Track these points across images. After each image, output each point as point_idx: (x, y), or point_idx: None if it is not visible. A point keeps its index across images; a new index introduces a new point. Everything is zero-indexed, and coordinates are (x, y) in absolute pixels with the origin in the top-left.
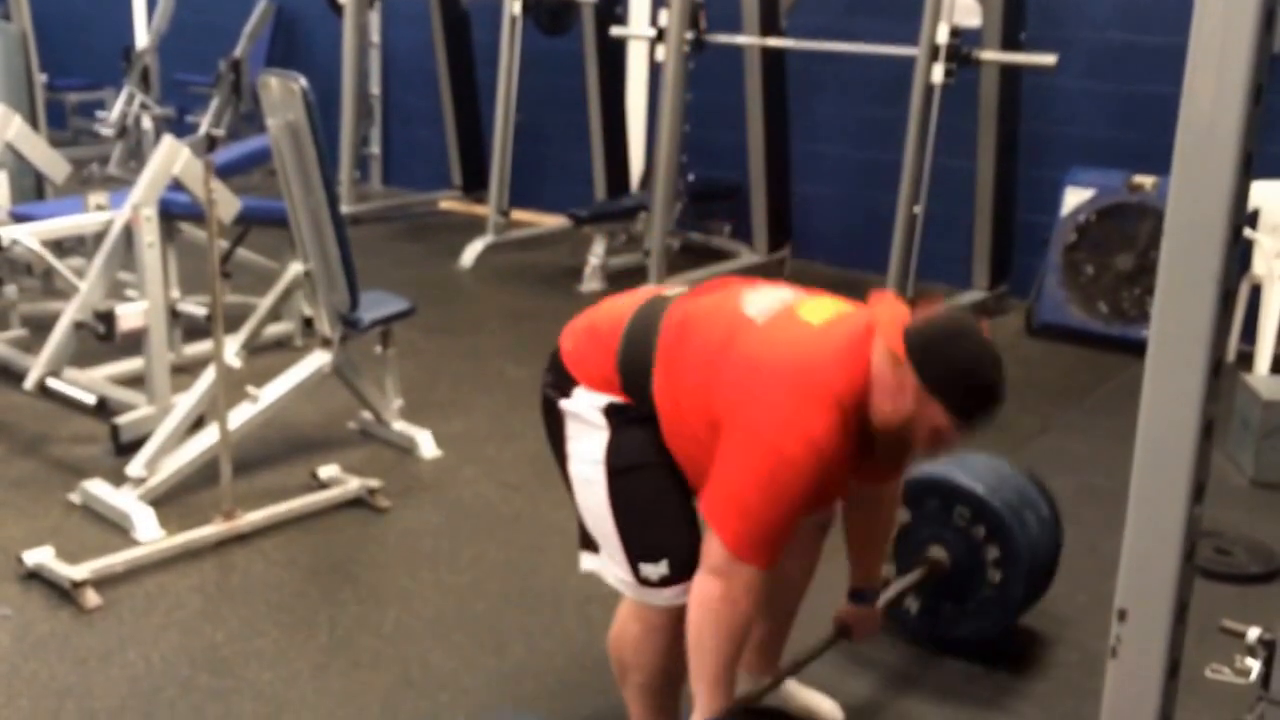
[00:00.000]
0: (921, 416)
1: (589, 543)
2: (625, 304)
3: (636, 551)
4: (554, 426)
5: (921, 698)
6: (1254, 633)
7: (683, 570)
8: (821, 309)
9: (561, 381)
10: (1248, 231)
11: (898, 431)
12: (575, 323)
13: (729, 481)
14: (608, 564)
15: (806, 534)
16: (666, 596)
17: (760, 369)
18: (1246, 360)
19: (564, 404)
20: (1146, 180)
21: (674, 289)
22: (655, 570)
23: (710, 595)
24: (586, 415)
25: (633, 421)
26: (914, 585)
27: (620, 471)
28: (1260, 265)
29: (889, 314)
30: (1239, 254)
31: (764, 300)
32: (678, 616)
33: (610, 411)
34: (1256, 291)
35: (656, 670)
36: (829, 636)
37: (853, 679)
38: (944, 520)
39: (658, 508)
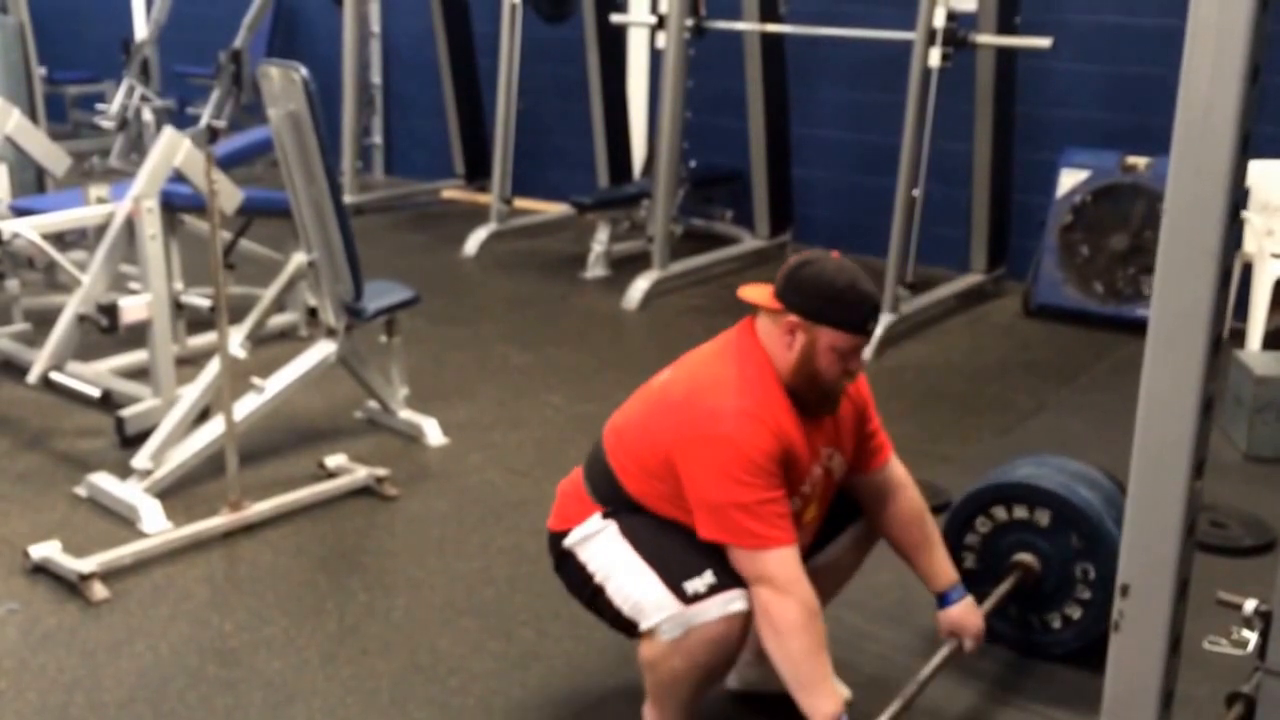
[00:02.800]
0: (818, 345)
1: (633, 627)
2: (575, 470)
3: (677, 574)
4: (574, 576)
5: (917, 669)
6: (1250, 605)
7: (726, 573)
8: (713, 341)
9: (560, 543)
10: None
11: (806, 369)
12: (551, 509)
13: (708, 495)
14: (652, 619)
15: (845, 559)
16: (719, 604)
17: (679, 396)
18: (1238, 337)
19: (566, 543)
20: (1140, 161)
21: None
22: (702, 581)
23: (766, 603)
24: (587, 531)
25: (627, 511)
26: (1010, 590)
27: (641, 541)
28: (1251, 243)
29: (755, 291)
30: None
31: (666, 370)
32: (717, 632)
33: (606, 515)
34: (1247, 270)
35: (700, 684)
36: (948, 650)
37: (847, 652)
38: (1020, 524)
39: (675, 534)
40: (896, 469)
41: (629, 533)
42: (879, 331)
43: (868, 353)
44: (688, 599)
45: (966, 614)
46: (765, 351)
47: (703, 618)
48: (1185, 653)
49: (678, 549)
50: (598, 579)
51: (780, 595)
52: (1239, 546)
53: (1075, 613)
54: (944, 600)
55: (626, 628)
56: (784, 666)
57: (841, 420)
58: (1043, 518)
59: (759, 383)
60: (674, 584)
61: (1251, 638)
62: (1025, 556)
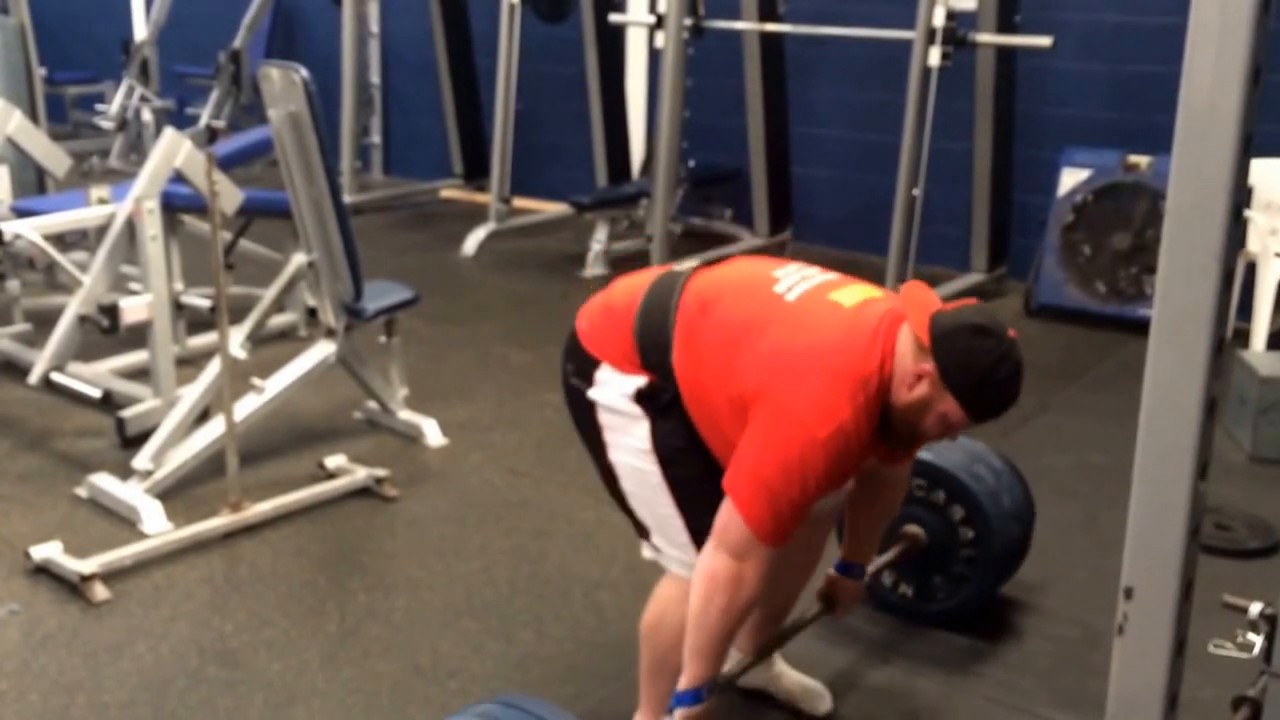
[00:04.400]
0: (935, 404)
1: (643, 530)
2: (639, 280)
3: (699, 528)
4: (585, 418)
5: (922, 674)
6: (1256, 608)
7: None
8: (853, 293)
9: (583, 366)
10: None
11: (912, 415)
12: (590, 303)
13: (756, 461)
14: (664, 548)
15: (814, 526)
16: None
17: (792, 349)
18: (1242, 337)
19: (593, 395)
20: (1142, 160)
21: (688, 264)
22: None
23: (722, 572)
24: (620, 406)
25: (666, 407)
26: (894, 560)
27: (671, 459)
28: (1255, 242)
29: (918, 301)
30: None
31: (794, 278)
32: None
33: (640, 399)
34: (1251, 269)
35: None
36: (814, 611)
37: (850, 654)
38: (907, 498)
39: (714, 487)
40: (906, 470)
41: (661, 448)
42: None
43: None
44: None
45: (853, 589)
46: (894, 358)
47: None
48: (1190, 656)
49: (709, 501)
50: (611, 457)
51: (744, 582)
52: (1244, 549)
53: (961, 572)
54: (846, 570)
55: (622, 508)
56: (698, 627)
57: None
58: (924, 489)
59: (872, 392)
60: (699, 539)
61: (1257, 641)
62: (911, 527)
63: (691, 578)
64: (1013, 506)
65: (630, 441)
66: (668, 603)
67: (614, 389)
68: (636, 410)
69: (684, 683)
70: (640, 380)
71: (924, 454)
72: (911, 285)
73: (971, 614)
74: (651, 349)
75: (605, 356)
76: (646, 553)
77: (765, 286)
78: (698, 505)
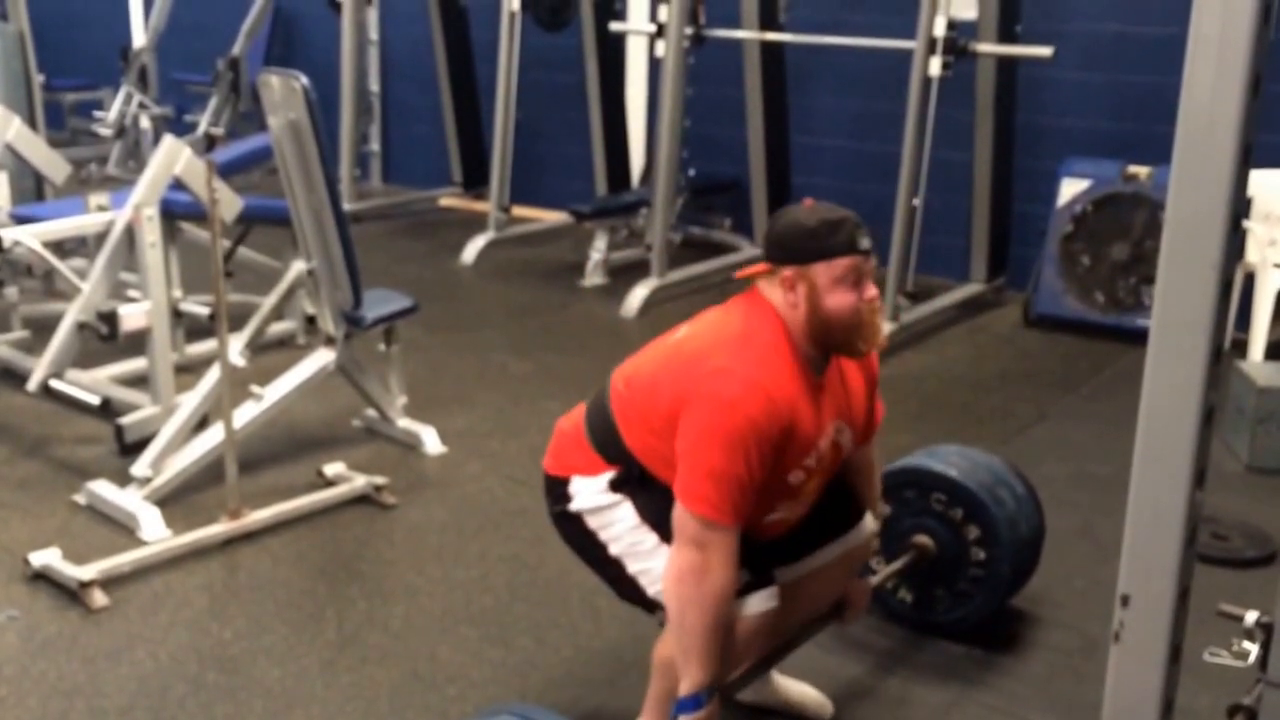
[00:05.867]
0: (817, 286)
1: (652, 608)
2: (575, 409)
3: None
4: (578, 536)
5: (920, 682)
6: (1251, 616)
7: (753, 569)
8: (730, 303)
9: (557, 491)
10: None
11: (821, 316)
12: (549, 446)
13: (692, 452)
14: None
15: (832, 576)
16: (756, 604)
17: (690, 354)
18: (1240, 347)
19: (574, 507)
20: (1141, 170)
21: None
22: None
23: (687, 566)
24: (600, 502)
25: (640, 482)
26: (903, 570)
27: (662, 522)
28: (1254, 253)
29: (751, 267)
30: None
31: (681, 327)
32: (748, 628)
33: (615, 485)
34: (1249, 279)
35: None
36: (822, 615)
37: (850, 663)
38: (923, 508)
39: None
40: (870, 451)
41: (650, 516)
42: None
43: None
44: None
45: (861, 590)
46: (775, 312)
47: (741, 614)
48: (1186, 664)
49: None
50: (614, 552)
51: (710, 570)
52: (1240, 558)
53: (966, 589)
54: None
55: (644, 604)
56: (680, 630)
57: (854, 392)
58: (943, 503)
59: (771, 346)
60: None
61: (1253, 649)
62: (922, 538)
63: None
64: (1028, 535)
65: (621, 527)
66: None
67: (590, 491)
68: (616, 497)
69: (684, 689)
70: (610, 473)
71: (947, 469)
72: (739, 272)
73: (969, 630)
74: (606, 444)
75: (572, 471)
76: (663, 648)
77: (663, 341)
78: None
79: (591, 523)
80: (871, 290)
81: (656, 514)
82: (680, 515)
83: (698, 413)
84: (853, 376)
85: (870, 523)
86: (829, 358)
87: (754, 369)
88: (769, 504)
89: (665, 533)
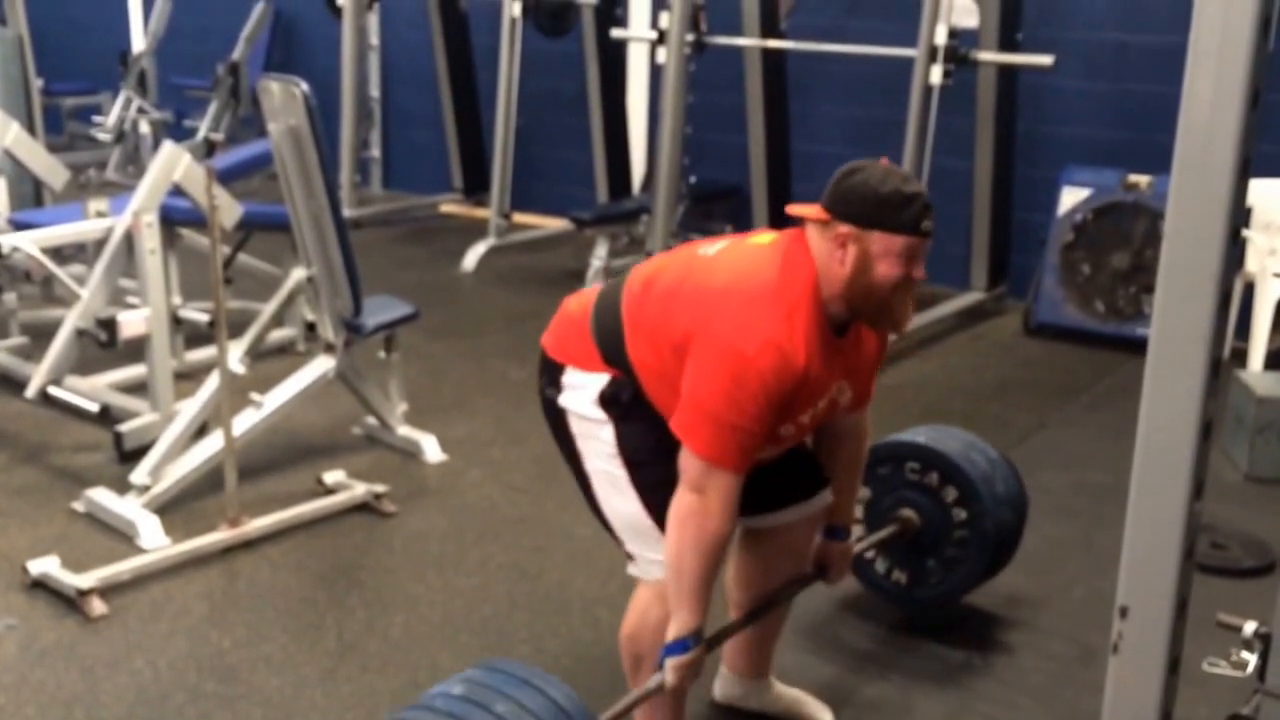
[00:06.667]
0: (871, 253)
1: (618, 539)
2: (590, 290)
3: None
4: (560, 429)
5: (919, 691)
6: (1250, 626)
7: None
8: (768, 235)
9: (552, 373)
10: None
11: (864, 282)
12: (552, 321)
13: (696, 392)
14: (637, 552)
15: (797, 535)
16: None
17: (714, 285)
18: (1240, 357)
19: (563, 402)
20: (1142, 179)
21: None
22: None
23: (688, 509)
24: (587, 412)
25: (629, 408)
26: (887, 539)
27: (636, 460)
28: (1253, 262)
29: (804, 207)
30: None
31: (721, 243)
32: None
33: (605, 401)
34: (1249, 289)
35: None
36: (805, 574)
37: (849, 671)
38: (900, 481)
39: (672, 466)
40: (865, 418)
41: (627, 448)
42: None
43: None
44: None
45: (844, 552)
46: (813, 263)
47: None
48: (1184, 674)
49: (671, 498)
50: (586, 467)
51: (710, 514)
52: (1239, 568)
53: (954, 554)
54: (831, 533)
55: (604, 525)
56: (676, 573)
57: (864, 358)
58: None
59: (799, 304)
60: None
61: (1251, 659)
62: (905, 511)
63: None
64: (1005, 493)
65: (599, 447)
66: (646, 605)
67: (581, 394)
68: (602, 415)
69: (672, 632)
70: (604, 378)
71: (919, 438)
72: (790, 206)
73: (962, 597)
74: (608, 344)
75: (569, 360)
76: (630, 569)
77: (692, 252)
78: (665, 506)
79: (574, 427)
80: (920, 272)
81: (634, 448)
82: (684, 457)
83: (710, 357)
84: (868, 343)
85: (828, 495)
86: (852, 322)
87: (776, 326)
88: None
89: (637, 472)
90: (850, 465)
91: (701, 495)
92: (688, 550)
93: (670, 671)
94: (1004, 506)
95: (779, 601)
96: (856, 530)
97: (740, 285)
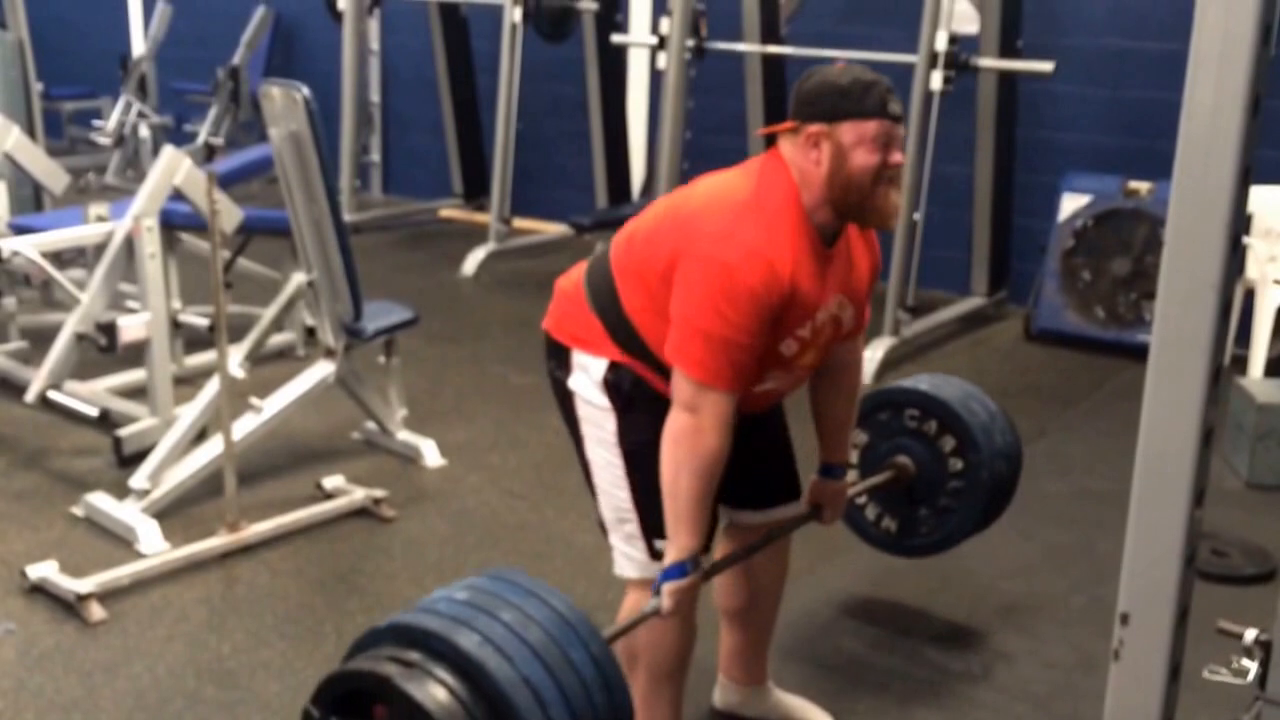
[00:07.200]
0: (843, 145)
1: (604, 529)
2: (577, 265)
3: (652, 526)
4: (568, 410)
5: (919, 699)
6: (1251, 634)
7: None
8: (746, 163)
9: (559, 355)
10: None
11: (842, 178)
12: (549, 305)
13: (684, 310)
14: (619, 546)
15: (775, 543)
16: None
17: (693, 208)
18: (1240, 364)
19: (571, 384)
20: (1142, 186)
21: None
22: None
23: (681, 429)
24: (593, 398)
25: (631, 397)
26: (882, 485)
27: (635, 453)
28: (1254, 269)
29: (777, 126)
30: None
31: (698, 180)
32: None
33: (609, 387)
34: (1250, 295)
35: (668, 650)
36: (800, 514)
37: (849, 680)
38: (898, 428)
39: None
40: (860, 345)
41: (627, 442)
42: (877, 356)
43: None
44: (654, 554)
45: (839, 491)
46: (791, 176)
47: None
48: (1185, 681)
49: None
50: (587, 453)
51: (702, 431)
52: (1240, 575)
53: (947, 504)
54: (826, 471)
55: (599, 518)
56: (672, 495)
57: (859, 270)
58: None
59: (781, 212)
60: (649, 535)
61: (1251, 667)
62: (901, 458)
63: (646, 577)
64: (1003, 445)
65: (602, 435)
66: (635, 606)
67: (588, 377)
68: (606, 403)
69: (670, 556)
70: (604, 363)
71: (919, 384)
72: (760, 129)
73: (951, 546)
74: (605, 306)
75: (574, 341)
76: (616, 569)
77: (672, 196)
78: (651, 505)
79: (580, 410)
80: (898, 155)
81: (634, 442)
82: (676, 379)
83: (694, 273)
84: (860, 254)
85: (799, 507)
86: (840, 230)
87: (758, 234)
88: (760, 373)
89: (635, 472)
90: (848, 396)
91: (695, 414)
92: (683, 470)
93: (667, 596)
94: (1000, 458)
95: (775, 538)
96: (850, 475)
97: (719, 203)
